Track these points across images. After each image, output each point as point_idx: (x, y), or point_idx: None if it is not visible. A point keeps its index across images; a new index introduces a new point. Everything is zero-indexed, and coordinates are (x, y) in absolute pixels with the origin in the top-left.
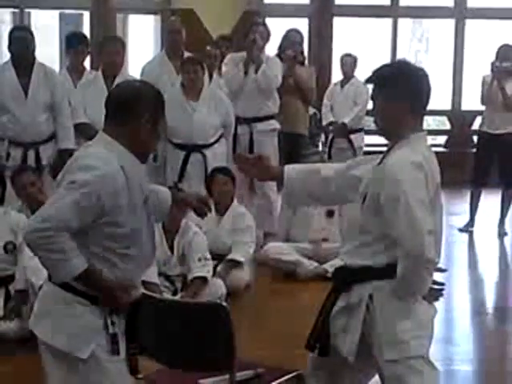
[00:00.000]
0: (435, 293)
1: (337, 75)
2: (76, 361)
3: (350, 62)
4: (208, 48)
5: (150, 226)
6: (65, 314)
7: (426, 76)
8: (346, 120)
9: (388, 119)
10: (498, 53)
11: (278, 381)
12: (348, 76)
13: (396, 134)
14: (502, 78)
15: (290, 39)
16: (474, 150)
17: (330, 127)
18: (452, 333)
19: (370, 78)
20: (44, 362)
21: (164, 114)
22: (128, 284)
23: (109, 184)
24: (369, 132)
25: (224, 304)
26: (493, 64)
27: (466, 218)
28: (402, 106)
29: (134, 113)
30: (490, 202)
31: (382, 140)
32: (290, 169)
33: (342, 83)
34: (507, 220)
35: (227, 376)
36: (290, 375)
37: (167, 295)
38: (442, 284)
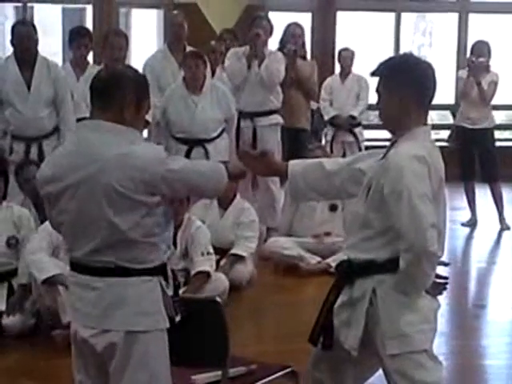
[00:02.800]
0: (438, 286)
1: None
2: (157, 335)
3: (349, 56)
4: (212, 43)
5: None
6: (138, 297)
7: (431, 69)
8: (355, 113)
9: (392, 112)
10: (472, 48)
11: (270, 377)
12: (347, 70)
13: (400, 127)
14: (477, 72)
15: (291, 33)
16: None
17: (336, 121)
18: (455, 327)
19: (376, 70)
20: (113, 352)
21: (148, 97)
22: None
23: None
24: (368, 126)
25: (217, 299)
26: (468, 59)
27: (469, 213)
28: (406, 99)
29: (116, 95)
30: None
31: (381, 134)
32: (294, 164)
33: (342, 77)
34: (509, 214)
35: (220, 372)
36: (283, 371)
37: (169, 290)
38: (446, 278)
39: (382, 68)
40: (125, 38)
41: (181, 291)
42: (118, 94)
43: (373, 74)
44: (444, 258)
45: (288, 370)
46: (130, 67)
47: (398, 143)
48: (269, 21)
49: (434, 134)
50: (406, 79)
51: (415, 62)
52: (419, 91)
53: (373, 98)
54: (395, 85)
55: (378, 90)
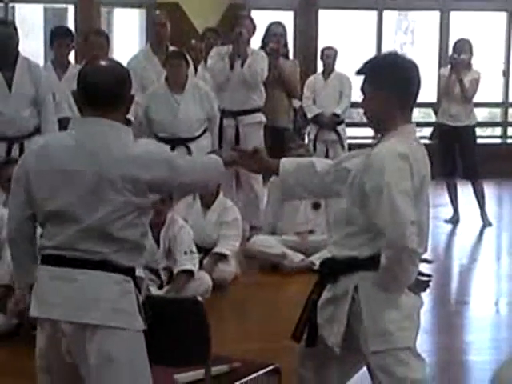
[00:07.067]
0: (422, 284)
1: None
2: (131, 335)
3: (331, 55)
4: (193, 41)
5: None
6: (116, 293)
7: (415, 68)
8: (338, 111)
9: (377, 110)
10: (455, 46)
11: (253, 375)
12: (330, 69)
13: (385, 125)
14: (459, 70)
15: (273, 32)
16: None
17: (319, 119)
18: (438, 323)
19: (361, 69)
20: (92, 348)
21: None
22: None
23: None
24: (351, 124)
25: (199, 298)
26: (451, 57)
27: (451, 210)
28: (390, 97)
29: (123, 94)
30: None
31: (365, 132)
32: (285, 162)
33: (324, 76)
34: (491, 210)
35: (203, 371)
36: (266, 369)
37: (153, 289)
38: (429, 275)
39: (367, 67)
40: (106, 38)
41: (164, 290)
42: (121, 95)
43: (358, 72)
44: (426, 255)
45: (271, 368)
46: (113, 61)
47: (382, 141)
48: (251, 20)
49: (417, 132)
50: (390, 78)
51: (400, 60)
52: (403, 90)
53: (356, 96)
54: (380, 83)
55: (362, 89)
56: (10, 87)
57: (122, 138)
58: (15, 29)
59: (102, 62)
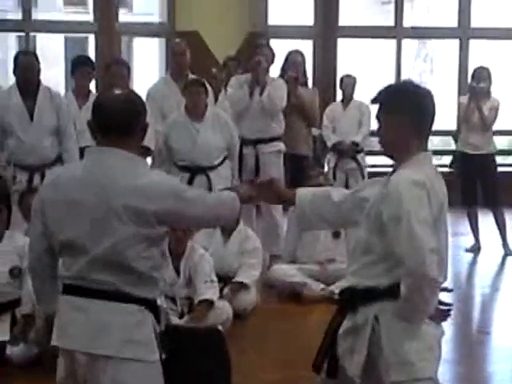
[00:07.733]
0: (442, 313)
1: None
2: (145, 366)
3: (350, 83)
4: (213, 70)
5: None
6: (129, 324)
7: (430, 96)
8: (358, 139)
9: (392, 139)
10: (474, 74)
11: None
12: (349, 97)
13: (400, 153)
14: (478, 98)
15: (292, 60)
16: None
17: (339, 147)
18: (460, 353)
19: (376, 98)
20: (106, 379)
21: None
22: None
23: None
24: (371, 153)
25: (219, 328)
26: (470, 85)
27: (472, 239)
28: (406, 125)
29: (137, 122)
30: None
31: (384, 161)
32: (301, 193)
33: (344, 104)
34: None
35: None
36: None
37: (173, 318)
38: (449, 304)
39: (381, 95)
40: (126, 67)
41: (184, 319)
42: (135, 123)
43: (373, 101)
44: (447, 284)
45: None
46: (128, 90)
47: (398, 169)
48: (270, 48)
49: (436, 160)
50: (404, 106)
51: (414, 88)
52: (418, 118)
53: (375, 125)
54: (394, 111)
55: (378, 117)
56: (31, 116)
57: (132, 168)
58: (36, 58)
59: (116, 91)
